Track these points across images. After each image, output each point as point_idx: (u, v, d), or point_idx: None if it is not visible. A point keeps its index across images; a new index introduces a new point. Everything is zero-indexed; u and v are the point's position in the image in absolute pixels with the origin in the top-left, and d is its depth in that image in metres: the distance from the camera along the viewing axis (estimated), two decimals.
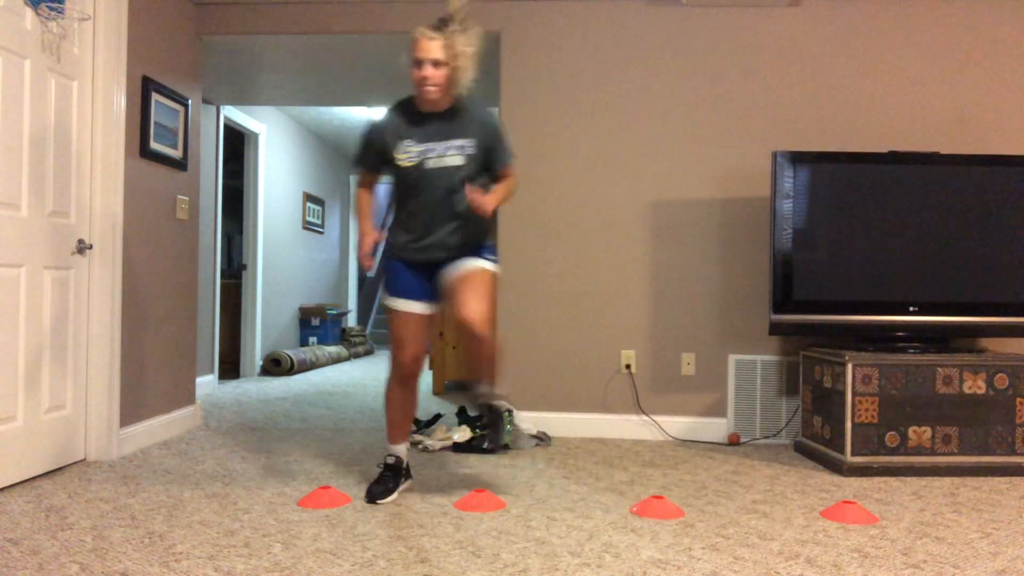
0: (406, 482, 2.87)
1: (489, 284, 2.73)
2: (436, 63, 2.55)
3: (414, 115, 2.70)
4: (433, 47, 2.55)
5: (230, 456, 3.42)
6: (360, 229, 2.80)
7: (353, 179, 9.61)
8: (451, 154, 2.66)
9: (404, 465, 2.86)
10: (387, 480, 2.79)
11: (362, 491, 2.85)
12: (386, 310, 2.82)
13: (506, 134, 2.80)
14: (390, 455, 2.84)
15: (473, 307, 2.63)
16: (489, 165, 2.75)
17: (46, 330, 3.03)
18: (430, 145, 2.66)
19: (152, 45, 3.66)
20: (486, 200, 2.59)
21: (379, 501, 2.71)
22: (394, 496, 2.76)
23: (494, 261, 2.80)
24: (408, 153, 2.67)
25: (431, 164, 2.66)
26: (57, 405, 3.10)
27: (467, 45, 2.58)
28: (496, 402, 2.81)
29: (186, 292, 4.05)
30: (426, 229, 2.71)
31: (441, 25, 2.57)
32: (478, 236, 2.77)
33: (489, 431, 2.89)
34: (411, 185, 2.70)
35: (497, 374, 2.80)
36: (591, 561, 2.16)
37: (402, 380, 2.80)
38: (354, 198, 2.82)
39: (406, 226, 2.75)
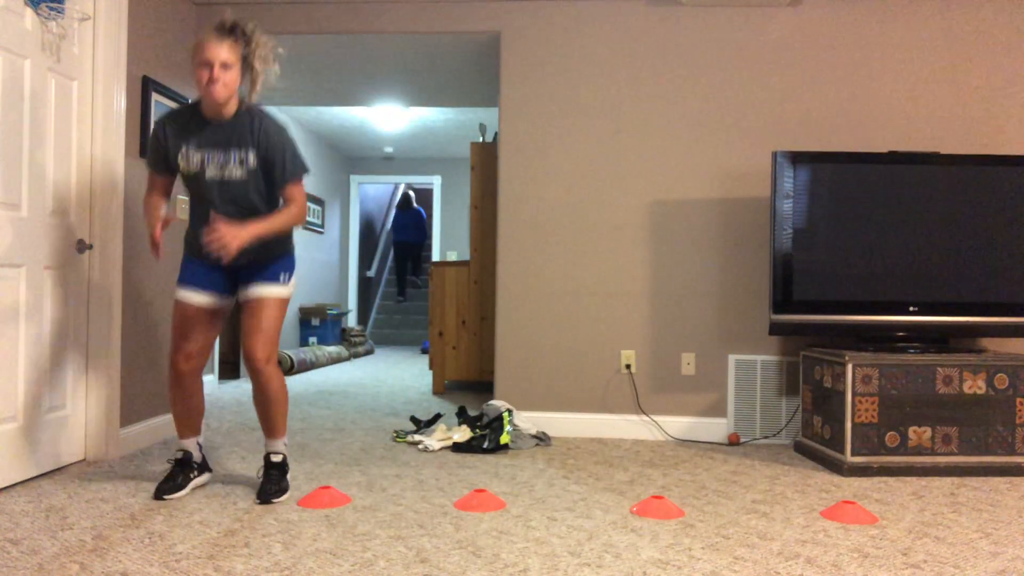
0: (201, 476, 2.86)
1: (273, 313, 2.70)
2: (225, 65, 2.51)
3: (199, 119, 2.63)
4: (220, 49, 2.50)
5: (230, 456, 3.42)
6: (147, 222, 2.65)
7: (354, 180, 9.63)
8: (231, 165, 2.61)
9: (193, 459, 2.84)
10: (176, 475, 2.77)
11: (362, 491, 2.86)
12: (174, 303, 2.77)
13: (293, 149, 2.67)
14: (179, 450, 2.84)
15: (252, 338, 2.64)
16: (270, 180, 2.68)
17: (46, 330, 3.03)
18: (211, 152, 2.60)
19: (152, 45, 3.66)
20: (232, 237, 2.44)
21: (166, 497, 2.70)
22: (184, 492, 2.75)
23: (285, 281, 2.74)
24: (188, 159, 2.63)
25: (211, 173, 2.62)
26: (57, 405, 3.10)
27: (258, 50, 2.56)
28: (282, 458, 2.79)
29: None
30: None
31: (229, 29, 2.54)
32: (267, 248, 2.71)
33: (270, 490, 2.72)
34: (194, 191, 2.68)
35: (282, 422, 2.78)
36: (591, 561, 2.16)
37: (176, 376, 2.73)
38: (143, 204, 2.77)
39: (193, 228, 2.73)
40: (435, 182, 9.66)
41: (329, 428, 4.15)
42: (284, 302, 2.76)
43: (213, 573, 2.03)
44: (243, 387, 5.80)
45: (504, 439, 3.61)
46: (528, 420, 3.98)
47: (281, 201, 2.73)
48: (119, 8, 3.33)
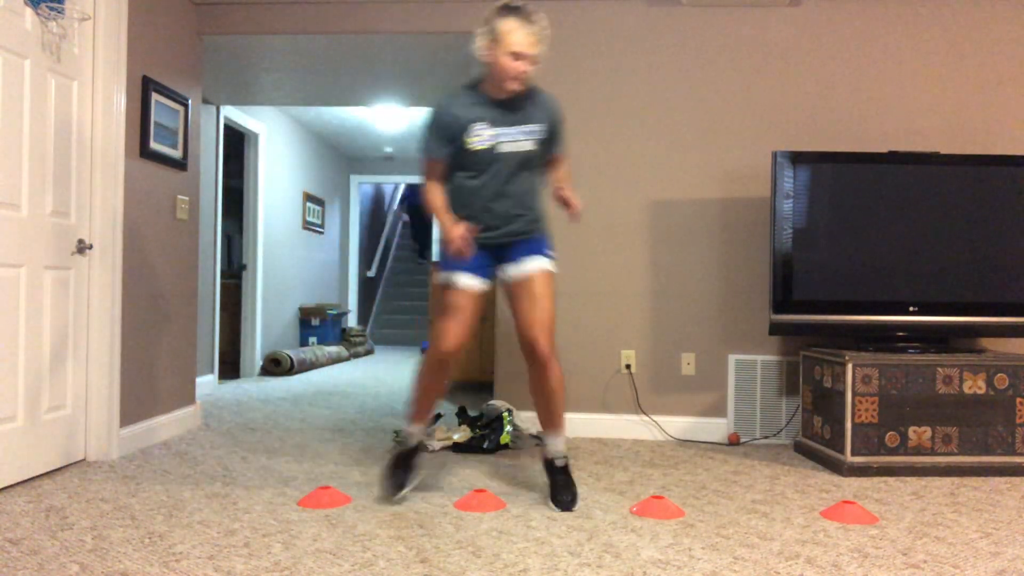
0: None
1: (551, 287, 2.73)
2: (533, 58, 2.57)
3: (484, 99, 2.69)
4: (534, 41, 2.56)
5: (230, 456, 3.42)
6: (445, 223, 2.64)
7: (354, 180, 9.62)
8: (523, 139, 2.68)
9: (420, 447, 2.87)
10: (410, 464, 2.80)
11: (362, 491, 2.85)
12: (440, 289, 2.74)
13: (562, 124, 2.84)
14: (410, 435, 2.84)
15: (537, 326, 2.67)
16: (547, 149, 2.78)
17: (46, 330, 3.03)
18: (503, 130, 2.67)
19: (152, 45, 3.66)
20: (572, 197, 2.65)
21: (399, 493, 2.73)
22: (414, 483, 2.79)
23: (553, 257, 2.81)
24: (480, 136, 2.66)
25: (503, 148, 2.66)
26: (57, 405, 3.10)
27: (545, 34, 2.63)
28: (566, 463, 2.77)
29: (186, 292, 4.05)
30: (488, 214, 2.70)
31: (531, 16, 2.56)
32: (539, 222, 2.78)
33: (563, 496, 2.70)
34: (480, 170, 2.69)
35: (563, 412, 2.77)
36: (591, 561, 2.16)
37: (441, 363, 2.70)
38: (427, 199, 2.75)
39: (469, 210, 2.71)
40: None
41: (329, 428, 4.15)
42: (553, 277, 2.78)
43: (213, 573, 2.03)
44: (243, 387, 5.80)
45: (504, 439, 3.60)
46: (528, 420, 3.98)
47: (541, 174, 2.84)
48: (119, 8, 3.33)
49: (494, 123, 2.67)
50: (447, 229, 2.61)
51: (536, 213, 2.77)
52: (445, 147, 2.70)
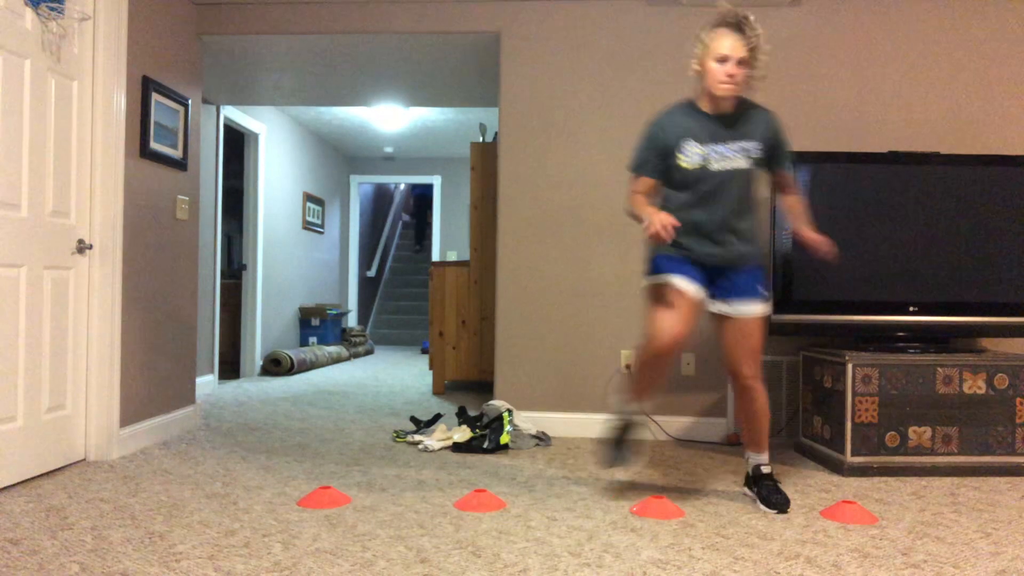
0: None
1: (763, 332, 2.69)
2: (740, 61, 2.52)
3: (698, 115, 2.64)
4: (741, 45, 2.51)
5: (230, 456, 3.42)
6: (647, 211, 2.54)
7: (354, 180, 9.62)
8: (737, 156, 2.61)
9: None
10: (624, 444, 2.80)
11: (362, 491, 2.86)
12: (649, 291, 2.70)
13: (786, 137, 2.73)
14: (626, 412, 2.83)
15: (748, 362, 2.66)
16: (768, 167, 2.71)
17: (46, 330, 3.03)
18: (715, 147, 2.61)
19: (152, 45, 3.66)
20: (815, 236, 2.62)
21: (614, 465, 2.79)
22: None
23: (767, 297, 2.72)
24: (691, 155, 2.62)
25: (715, 166, 2.61)
26: (57, 405, 3.10)
27: (761, 44, 2.54)
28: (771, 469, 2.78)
29: (186, 292, 4.05)
30: (703, 235, 2.65)
31: (743, 24, 2.52)
32: (753, 247, 2.70)
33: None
34: (691, 188, 2.64)
35: (767, 434, 2.78)
36: (591, 561, 2.16)
37: (659, 352, 2.62)
38: (629, 206, 2.73)
39: (681, 229, 2.64)
40: (435, 182, 9.66)
41: (329, 428, 4.15)
42: (767, 318, 2.76)
43: (213, 573, 2.03)
44: (243, 387, 5.80)
45: (504, 439, 3.60)
46: (528, 420, 3.98)
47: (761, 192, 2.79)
48: (119, 8, 3.33)
49: (706, 140, 2.61)
50: (650, 214, 2.50)
51: (750, 236, 2.68)
52: (655, 163, 2.67)
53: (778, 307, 3.51)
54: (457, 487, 2.94)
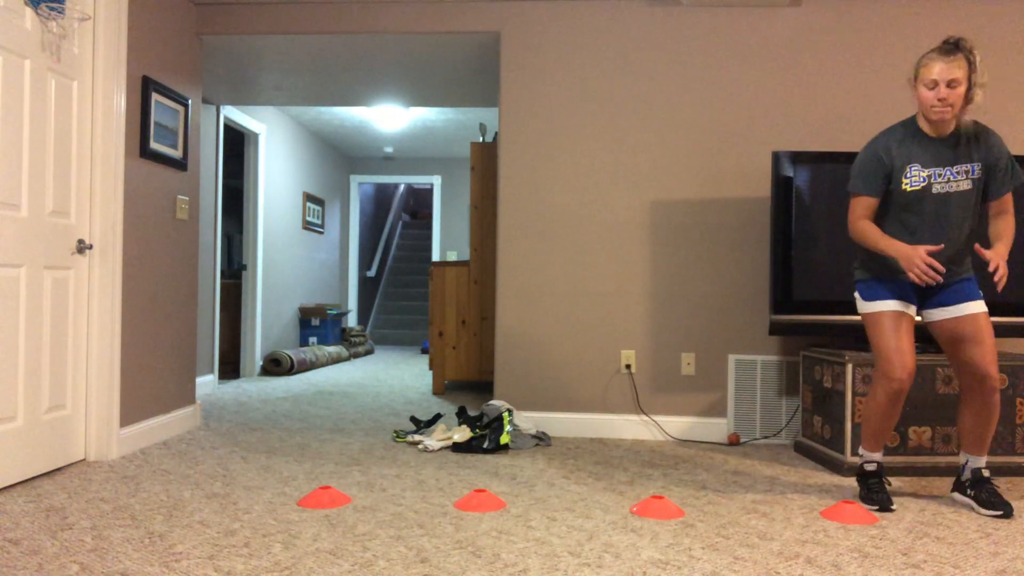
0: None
1: (990, 325, 2.66)
2: (951, 83, 2.52)
3: (920, 137, 2.66)
4: (950, 68, 2.52)
5: (230, 456, 3.42)
6: (895, 247, 2.59)
7: (354, 180, 9.62)
8: (959, 179, 2.63)
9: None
10: (882, 486, 2.77)
11: (362, 491, 2.86)
12: (871, 319, 2.72)
13: (1012, 158, 2.68)
14: (869, 462, 2.83)
15: (992, 362, 2.61)
16: (986, 190, 2.70)
17: (46, 330, 3.03)
18: (938, 170, 2.63)
19: (152, 45, 3.66)
20: (1002, 264, 2.53)
21: (892, 508, 2.71)
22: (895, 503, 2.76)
23: (982, 298, 2.72)
24: (914, 177, 2.64)
25: (938, 189, 2.63)
26: (57, 405, 3.10)
27: (979, 67, 2.55)
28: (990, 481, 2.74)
29: (186, 292, 4.05)
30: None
31: (954, 48, 2.54)
32: (962, 268, 2.72)
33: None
34: (912, 211, 2.66)
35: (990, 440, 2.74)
36: (591, 561, 2.16)
37: (895, 394, 2.67)
38: (858, 231, 2.73)
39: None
40: (435, 182, 9.66)
41: (329, 428, 4.15)
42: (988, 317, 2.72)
43: (213, 573, 2.03)
44: (243, 387, 5.80)
45: (504, 439, 3.60)
46: (528, 420, 3.98)
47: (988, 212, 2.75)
48: (119, 8, 3.33)
49: (928, 163, 2.63)
50: (901, 252, 2.57)
51: (964, 257, 2.70)
52: (878, 184, 2.69)
53: (778, 307, 3.51)
54: (457, 487, 2.94)
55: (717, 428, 3.95)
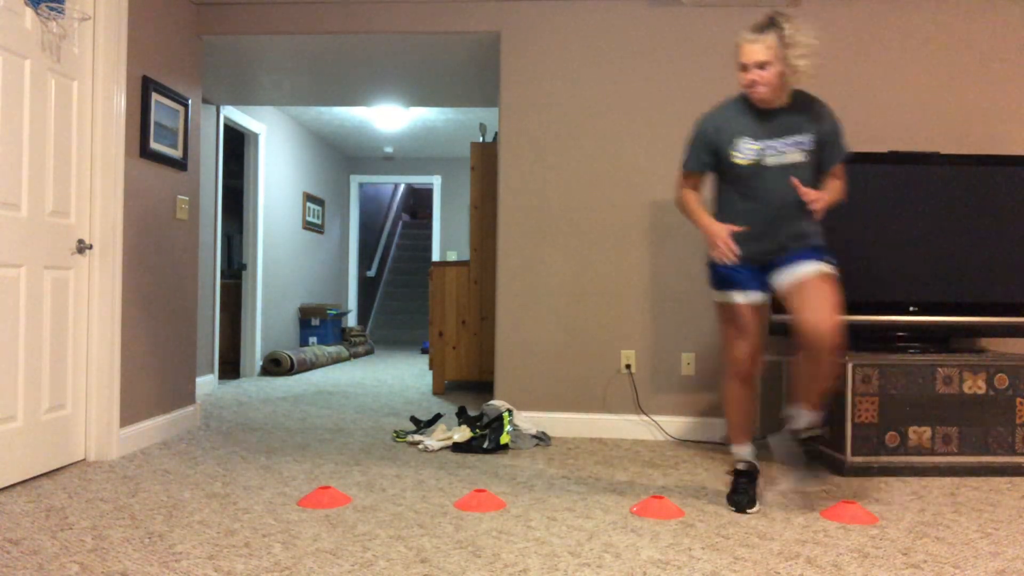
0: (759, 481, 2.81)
1: (832, 288, 2.61)
2: (760, 64, 2.54)
3: (752, 111, 2.66)
4: (756, 50, 2.53)
5: (230, 456, 3.42)
6: (704, 223, 2.66)
7: (354, 180, 9.62)
8: (790, 151, 2.62)
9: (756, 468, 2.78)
10: (746, 487, 2.70)
11: (363, 491, 2.86)
12: (717, 307, 2.75)
13: (842, 130, 2.70)
14: (739, 461, 2.79)
15: (818, 314, 2.53)
16: (821, 161, 2.69)
17: (46, 330, 3.03)
18: (769, 142, 2.62)
19: (152, 45, 3.66)
20: (821, 196, 2.53)
21: (748, 511, 2.66)
22: (759, 505, 2.70)
23: (831, 263, 2.67)
24: (744, 150, 2.64)
25: (770, 161, 2.62)
26: (57, 405, 3.10)
27: (794, 39, 2.53)
28: (810, 433, 2.71)
29: (186, 292, 4.05)
30: (759, 228, 2.65)
31: (763, 27, 2.55)
32: (810, 235, 2.69)
33: (801, 474, 2.73)
34: (746, 184, 2.65)
35: (822, 398, 2.69)
36: (591, 561, 2.16)
37: (739, 378, 2.71)
38: (681, 204, 2.80)
39: (731, 222, 2.68)
40: (435, 182, 9.66)
41: (329, 428, 4.15)
42: (835, 280, 2.65)
43: (213, 573, 2.03)
44: (243, 387, 5.80)
45: (504, 439, 3.60)
46: (528, 420, 3.98)
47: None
48: (119, 8, 3.33)
49: (758, 136, 2.63)
50: (708, 230, 2.63)
51: (806, 229, 2.66)
52: (705, 159, 2.70)
53: (778, 307, 3.51)
54: (457, 487, 2.94)
55: (717, 428, 3.95)
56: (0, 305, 2.78)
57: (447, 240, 9.65)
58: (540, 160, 4.03)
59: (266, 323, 6.79)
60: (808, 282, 2.59)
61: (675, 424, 3.97)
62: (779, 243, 2.66)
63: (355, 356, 8.29)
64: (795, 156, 2.62)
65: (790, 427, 2.75)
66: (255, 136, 6.47)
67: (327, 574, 2.03)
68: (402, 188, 12.80)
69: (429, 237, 12.25)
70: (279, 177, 7.06)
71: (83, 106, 3.23)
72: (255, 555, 2.17)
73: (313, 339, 7.69)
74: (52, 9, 3.00)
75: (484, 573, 2.06)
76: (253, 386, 5.87)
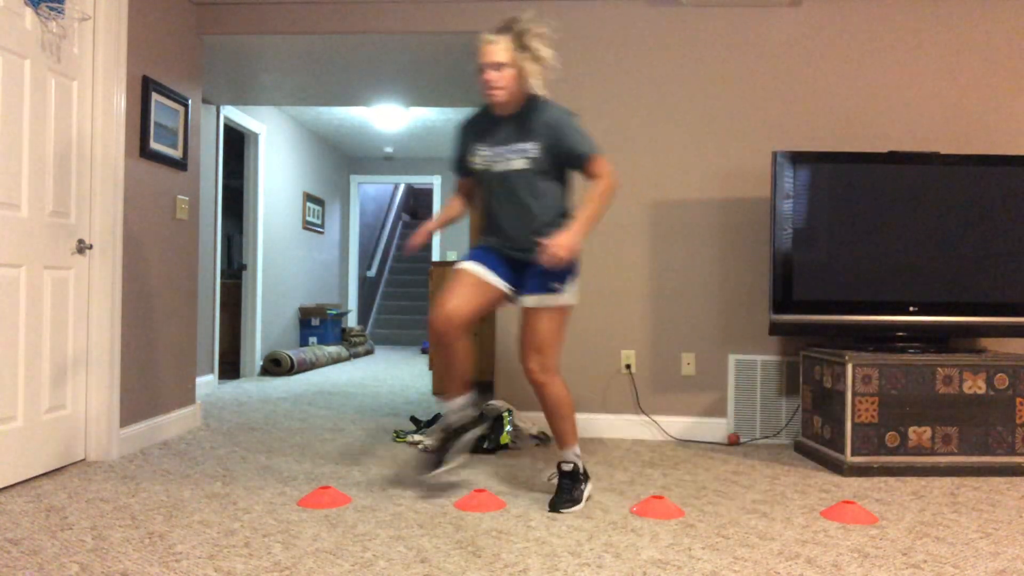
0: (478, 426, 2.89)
1: (556, 319, 2.65)
2: (497, 66, 2.56)
3: (490, 117, 2.72)
4: (493, 51, 2.56)
5: (230, 456, 3.42)
6: (427, 224, 2.84)
7: (354, 180, 9.63)
8: (513, 158, 2.65)
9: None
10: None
11: (362, 491, 2.86)
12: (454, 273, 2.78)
13: (577, 127, 2.66)
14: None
15: (530, 353, 2.65)
16: (565, 163, 2.68)
17: (46, 330, 3.03)
18: (497, 148, 2.67)
19: (152, 45, 3.66)
20: (562, 245, 2.49)
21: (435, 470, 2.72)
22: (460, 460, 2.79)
23: (560, 289, 2.65)
24: (479, 156, 2.71)
25: (498, 168, 2.67)
26: (57, 405, 3.10)
27: (530, 44, 2.55)
28: (572, 467, 2.73)
29: (186, 292, 4.05)
30: (500, 232, 2.73)
31: (502, 30, 2.58)
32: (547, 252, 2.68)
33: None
34: (483, 188, 2.75)
35: (569, 429, 2.72)
36: (591, 561, 2.16)
37: (435, 339, 2.67)
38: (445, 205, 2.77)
39: (484, 226, 2.79)
40: (435, 182, 9.66)
41: (329, 428, 4.15)
42: (562, 310, 2.68)
43: (213, 573, 2.03)
44: (243, 387, 5.80)
45: (504, 439, 3.60)
46: (528, 420, 3.98)
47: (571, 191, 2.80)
48: (119, 8, 3.33)
49: (489, 142, 2.69)
50: (424, 226, 2.83)
51: (543, 234, 2.65)
52: (461, 164, 2.81)
53: (778, 307, 3.51)
54: (457, 487, 2.94)
55: (717, 428, 3.95)
56: (0, 305, 2.78)
57: (447, 240, 9.65)
58: None
59: (266, 323, 6.79)
60: (526, 316, 2.69)
61: (675, 424, 3.97)
62: (517, 246, 2.71)
63: (355, 356, 8.29)
64: (519, 163, 2.65)
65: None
66: (255, 136, 6.47)
67: (327, 574, 2.03)
68: (402, 188, 12.79)
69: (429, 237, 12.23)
70: (279, 177, 7.06)
71: (83, 106, 3.23)
72: (255, 555, 2.17)
73: (313, 339, 7.69)
74: (52, 9, 3.00)
75: (484, 573, 2.06)
76: (253, 386, 5.87)
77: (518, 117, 2.67)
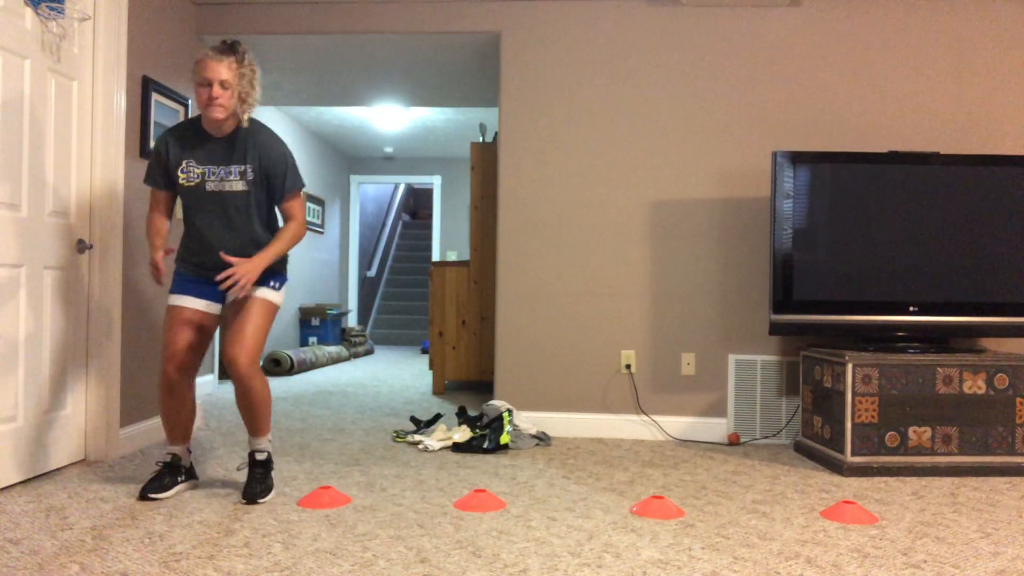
0: (188, 482, 2.85)
1: (263, 314, 2.71)
2: (222, 83, 2.58)
3: (200, 135, 2.71)
4: (221, 68, 2.57)
5: (230, 456, 3.42)
6: (150, 252, 2.75)
7: (354, 180, 9.63)
8: (232, 179, 2.68)
9: (182, 464, 2.82)
10: (162, 476, 2.76)
11: (362, 491, 2.86)
12: (166, 310, 2.79)
13: (292, 163, 2.75)
14: (168, 452, 2.84)
15: (237, 345, 2.64)
16: (271, 193, 2.75)
17: (46, 330, 3.02)
18: (211, 167, 2.69)
19: (152, 45, 3.66)
20: (245, 271, 2.57)
21: (151, 496, 2.69)
22: (170, 493, 2.74)
23: (275, 287, 2.77)
24: (191, 172, 2.70)
25: (211, 187, 2.69)
26: (57, 405, 3.10)
27: (249, 70, 2.62)
28: (266, 456, 2.78)
29: None
30: (207, 250, 2.73)
31: (227, 49, 2.61)
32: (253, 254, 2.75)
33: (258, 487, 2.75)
34: (191, 206, 2.74)
35: (266, 421, 2.76)
36: (591, 561, 2.16)
37: (165, 386, 2.72)
38: (146, 225, 2.91)
39: (189, 243, 2.77)
40: (435, 182, 9.66)
41: (329, 428, 4.15)
42: (272, 306, 2.76)
43: (213, 573, 2.03)
44: None
45: (504, 439, 3.61)
46: (528, 420, 3.98)
47: (279, 220, 2.79)
48: (119, 8, 3.33)
49: (203, 160, 2.69)
50: (150, 257, 2.72)
51: (247, 254, 2.73)
52: (159, 178, 2.76)
53: (778, 307, 3.51)
54: (457, 487, 2.94)
55: (717, 428, 3.95)
56: (0, 305, 2.78)
57: (447, 240, 9.65)
58: (540, 160, 4.03)
59: None
60: (237, 306, 2.72)
61: (675, 424, 3.97)
62: (222, 267, 2.73)
63: (355, 356, 8.29)
64: (236, 185, 2.69)
65: (254, 458, 2.79)
66: None
67: (327, 574, 2.03)
68: (402, 188, 12.80)
69: (429, 237, 12.25)
70: None
71: (83, 106, 3.23)
72: (255, 555, 2.17)
73: (313, 339, 7.69)
74: (52, 9, 3.00)
75: (484, 573, 2.06)
76: None
77: (231, 138, 2.70)
